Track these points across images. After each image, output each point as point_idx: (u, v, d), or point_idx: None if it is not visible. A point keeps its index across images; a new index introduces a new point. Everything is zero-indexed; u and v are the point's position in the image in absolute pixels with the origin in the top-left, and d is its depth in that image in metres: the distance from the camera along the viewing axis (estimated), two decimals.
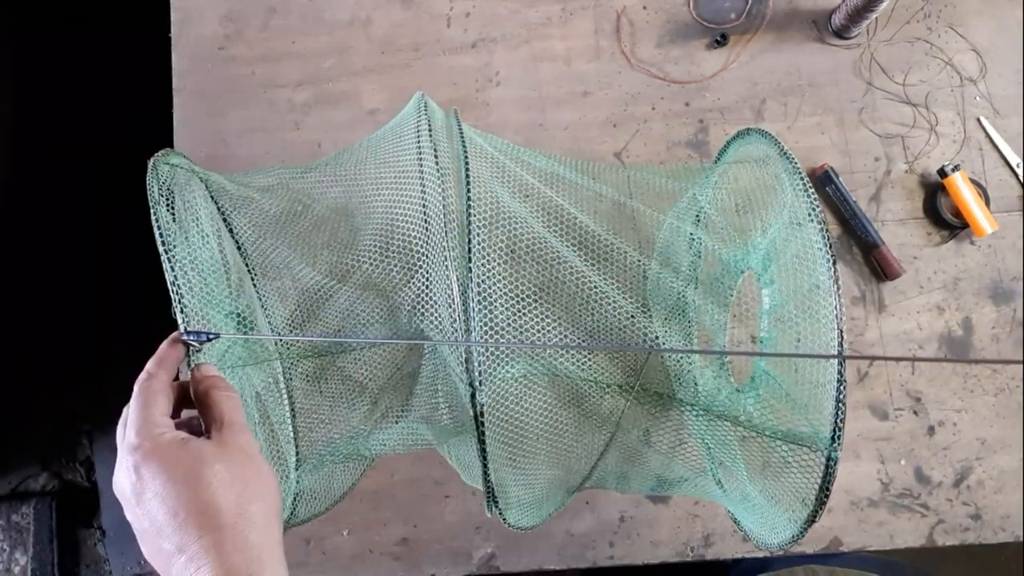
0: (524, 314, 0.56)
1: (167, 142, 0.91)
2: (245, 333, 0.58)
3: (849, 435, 0.83)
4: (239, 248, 0.67)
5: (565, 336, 0.62)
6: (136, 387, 0.45)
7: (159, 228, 0.48)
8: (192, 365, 0.49)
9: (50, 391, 1.44)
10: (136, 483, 0.41)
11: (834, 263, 0.49)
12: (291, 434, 0.69)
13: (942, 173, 0.84)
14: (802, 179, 0.53)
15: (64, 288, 1.43)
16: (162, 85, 0.92)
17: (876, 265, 0.85)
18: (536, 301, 0.58)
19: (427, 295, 0.55)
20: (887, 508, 0.82)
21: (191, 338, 0.48)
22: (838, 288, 0.48)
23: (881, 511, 0.82)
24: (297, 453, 0.69)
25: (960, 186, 0.83)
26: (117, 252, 1.36)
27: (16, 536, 1.46)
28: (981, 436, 0.83)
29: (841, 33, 0.89)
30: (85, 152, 1.40)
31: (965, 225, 0.84)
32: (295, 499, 0.65)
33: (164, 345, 0.48)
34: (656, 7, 0.92)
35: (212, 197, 0.63)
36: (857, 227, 0.85)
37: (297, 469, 0.67)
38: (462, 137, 0.55)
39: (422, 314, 0.56)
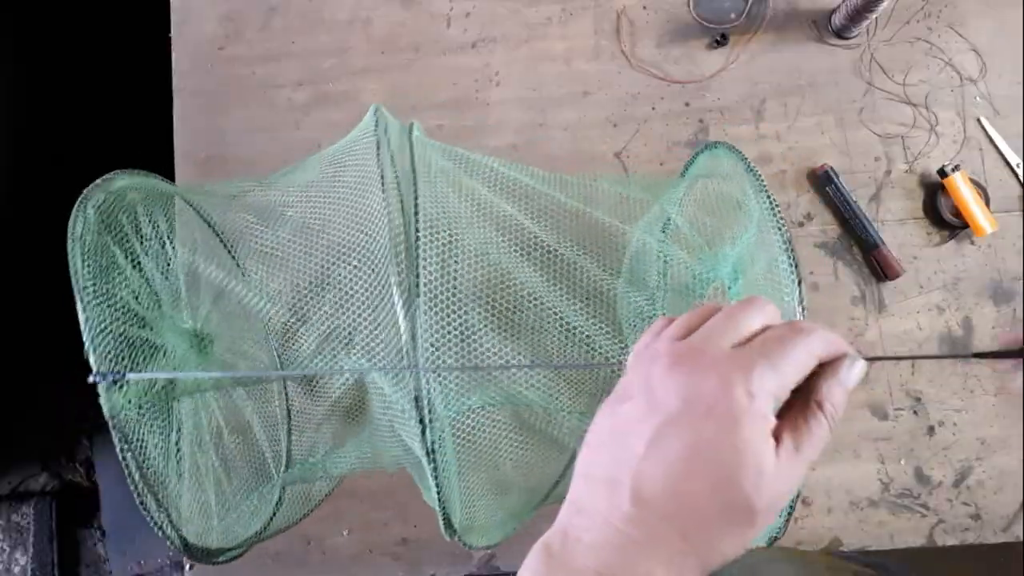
0: (479, 346, 0.53)
1: (167, 142, 0.91)
2: (202, 350, 0.57)
3: (849, 435, 0.83)
4: (228, 250, 0.66)
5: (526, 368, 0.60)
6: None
7: (74, 270, 0.47)
8: (106, 405, 0.47)
9: (50, 391, 1.44)
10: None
11: (800, 283, 0.48)
12: (283, 443, 0.68)
13: (942, 173, 0.84)
14: (768, 197, 0.52)
15: (64, 288, 1.43)
16: (162, 85, 0.92)
17: (876, 265, 0.85)
18: (494, 332, 0.55)
19: (372, 329, 0.52)
20: (887, 508, 0.82)
21: (98, 378, 0.46)
22: (803, 311, 0.48)
23: (881, 511, 0.82)
24: (287, 461, 0.68)
25: (960, 186, 0.83)
26: None
27: (16, 536, 1.46)
28: (981, 436, 0.83)
29: (841, 33, 0.89)
30: (85, 152, 1.40)
31: (965, 225, 0.84)
32: (276, 507, 0.64)
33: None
34: (656, 7, 0.92)
35: (191, 204, 0.62)
36: (857, 227, 0.85)
37: (286, 471, 0.67)
38: (413, 163, 0.52)
39: (366, 350, 0.53)
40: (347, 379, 0.64)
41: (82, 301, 0.47)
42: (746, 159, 0.55)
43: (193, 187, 0.64)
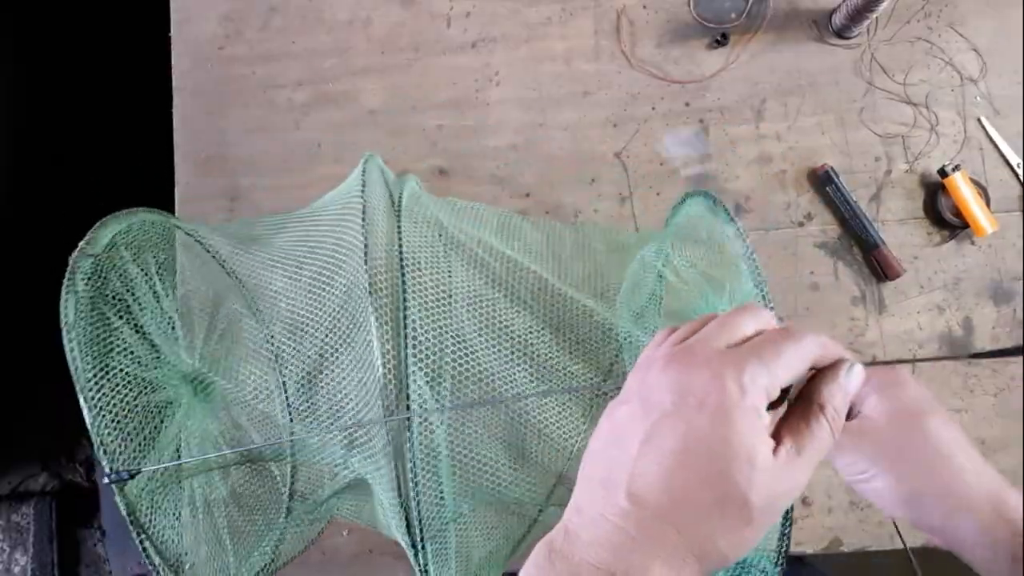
0: (472, 454, 0.52)
1: (167, 142, 0.91)
2: (203, 397, 0.56)
3: None
4: (227, 271, 0.65)
5: (517, 474, 0.57)
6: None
7: (73, 364, 0.44)
8: (122, 503, 0.45)
9: (50, 391, 1.44)
10: None
11: None
12: (288, 471, 0.67)
13: (942, 173, 0.84)
14: (762, 292, 0.50)
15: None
16: (162, 85, 0.92)
17: (876, 265, 0.85)
18: (487, 445, 0.54)
19: (364, 439, 0.50)
20: None
21: (112, 477, 0.45)
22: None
23: (881, 511, 0.82)
24: (291, 491, 0.67)
25: (960, 186, 0.83)
26: None
27: (16, 536, 1.46)
28: (981, 436, 0.83)
29: (841, 33, 0.89)
30: (85, 152, 1.40)
31: (965, 225, 0.84)
32: (279, 537, 0.63)
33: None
34: (656, 7, 0.92)
35: (196, 238, 0.61)
36: (857, 227, 0.85)
37: (290, 499, 0.66)
38: (401, 254, 0.49)
39: (362, 452, 0.51)
40: (346, 476, 0.63)
41: (83, 393, 0.44)
42: (748, 246, 0.51)
43: (188, 225, 0.63)
